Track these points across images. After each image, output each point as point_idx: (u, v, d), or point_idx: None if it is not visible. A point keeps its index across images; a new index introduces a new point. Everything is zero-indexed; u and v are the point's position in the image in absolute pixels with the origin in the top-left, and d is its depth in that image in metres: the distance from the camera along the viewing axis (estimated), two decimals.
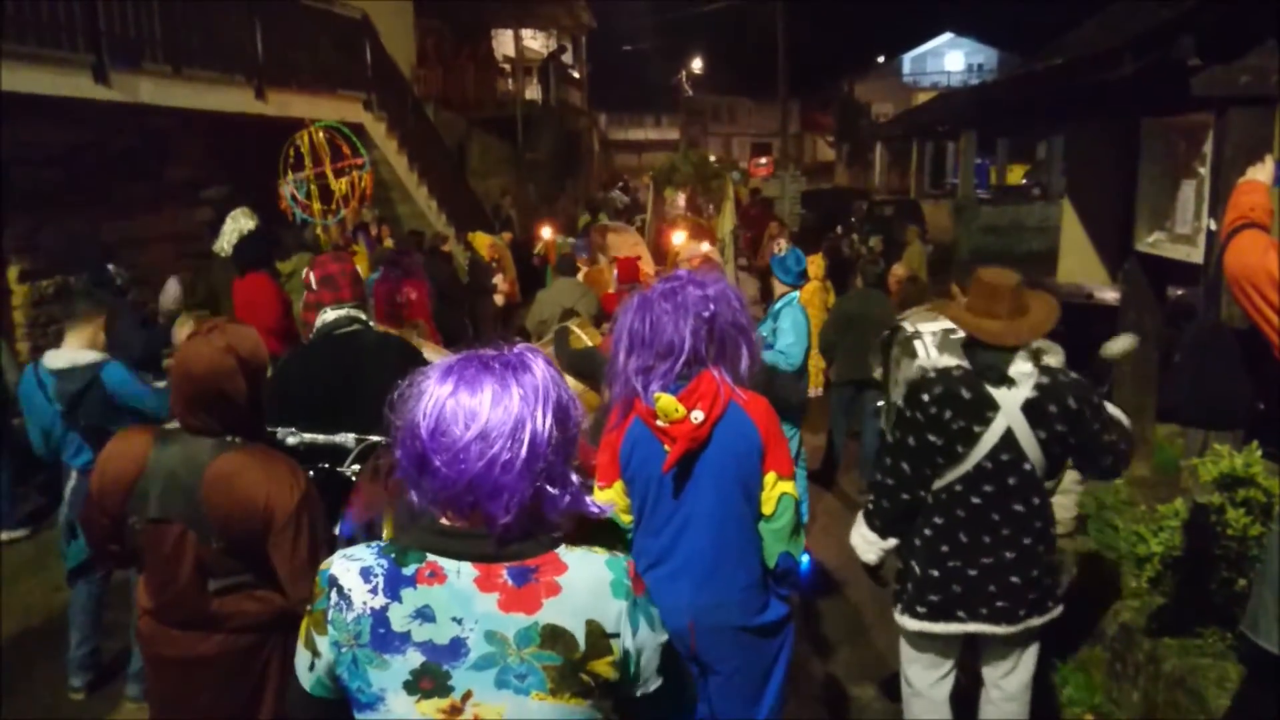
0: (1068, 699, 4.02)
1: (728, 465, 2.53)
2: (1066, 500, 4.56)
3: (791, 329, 5.25)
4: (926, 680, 3.16)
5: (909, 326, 3.40)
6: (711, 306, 2.50)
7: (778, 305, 5.47)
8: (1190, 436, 5.27)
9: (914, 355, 3.40)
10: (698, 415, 2.47)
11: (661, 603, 2.22)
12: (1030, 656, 3.12)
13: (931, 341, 3.34)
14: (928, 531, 2.99)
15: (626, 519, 2.63)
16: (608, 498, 2.58)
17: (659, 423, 2.49)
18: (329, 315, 3.36)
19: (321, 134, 8.71)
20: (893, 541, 3.11)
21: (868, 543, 3.14)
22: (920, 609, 3.01)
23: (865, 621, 4.88)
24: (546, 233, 12.62)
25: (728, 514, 2.55)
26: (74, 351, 4.00)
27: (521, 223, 17.66)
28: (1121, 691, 3.84)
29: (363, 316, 3.42)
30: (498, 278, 10.53)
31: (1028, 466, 2.86)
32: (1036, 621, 2.98)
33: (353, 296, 3.40)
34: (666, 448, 2.51)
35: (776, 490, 2.55)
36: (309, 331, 3.50)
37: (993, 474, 2.86)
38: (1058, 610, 3.03)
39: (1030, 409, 2.83)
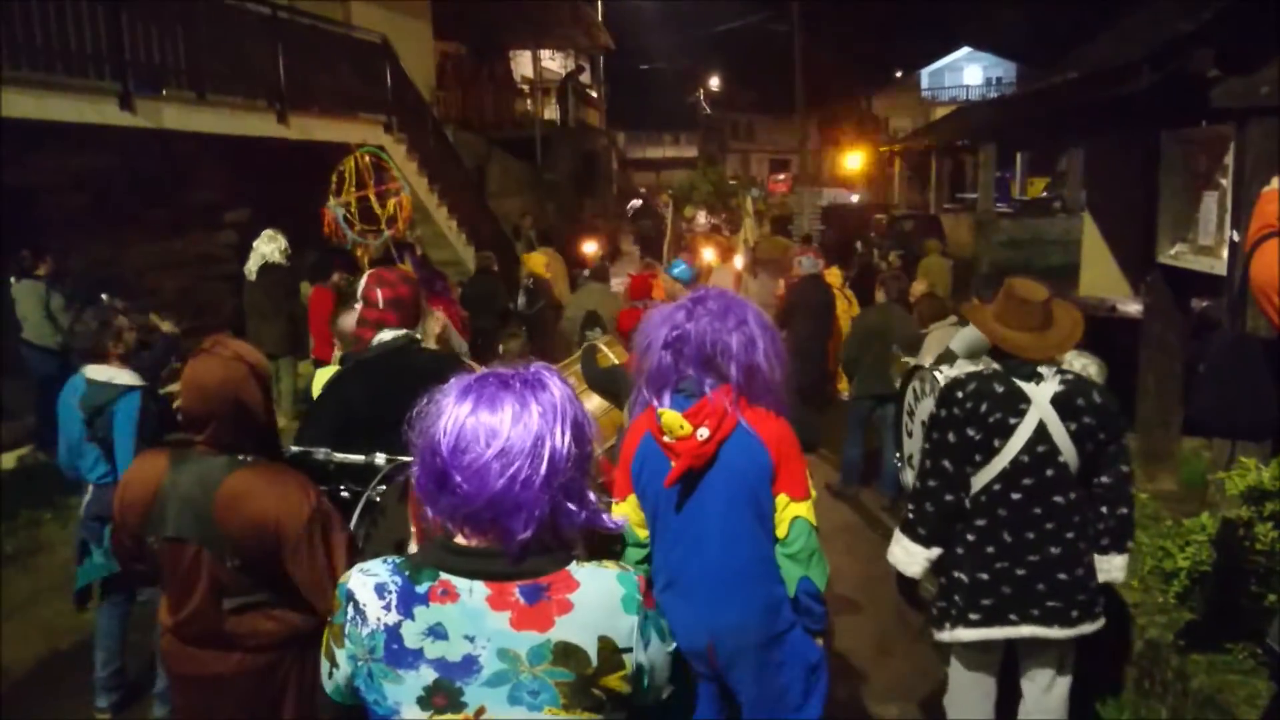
0: (1094, 715, 3.97)
1: (735, 485, 2.51)
2: None
3: None
4: (975, 702, 3.12)
5: (926, 362, 3.42)
6: (757, 328, 2.52)
7: None
8: (1216, 450, 5.21)
9: (936, 386, 3.43)
10: (703, 433, 2.46)
11: (678, 621, 2.20)
12: (1070, 669, 3.10)
13: (949, 370, 3.38)
14: (970, 537, 2.99)
15: (643, 534, 2.63)
16: (622, 511, 2.58)
17: (665, 439, 2.49)
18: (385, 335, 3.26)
19: (367, 158, 8.85)
20: (936, 552, 3.04)
21: (910, 555, 3.06)
22: (974, 616, 2.97)
23: (889, 642, 4.83)
24: (590, 248, 12.84)
25: (737, 534, 2.52)
26: (116, 369, 4.10)
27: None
28: (1149, 708, 3.78)
29: (418, 337, 3.34)
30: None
31: (1062, 459, 2.89)
32: (1089, 628, 2.97)
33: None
34: (672, 464, 2.50)
35: (788, 513, 2.51)
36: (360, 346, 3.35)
37: (1030, 467, 2.89)
38: (1102, 621, 3.01)
39: (1059, 401, 2.89)
